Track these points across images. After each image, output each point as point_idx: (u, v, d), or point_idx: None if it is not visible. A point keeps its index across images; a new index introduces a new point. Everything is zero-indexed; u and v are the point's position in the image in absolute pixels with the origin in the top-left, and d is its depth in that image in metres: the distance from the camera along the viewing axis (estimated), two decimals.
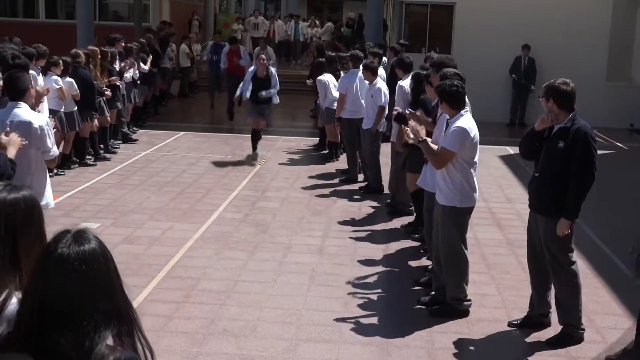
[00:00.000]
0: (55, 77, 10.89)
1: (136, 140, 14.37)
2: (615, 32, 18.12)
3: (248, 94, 12.48)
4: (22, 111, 6.20)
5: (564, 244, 5.94)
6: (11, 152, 5.31)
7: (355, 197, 10.71)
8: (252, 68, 13.12)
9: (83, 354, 1.99)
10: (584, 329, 6.07)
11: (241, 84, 12.84)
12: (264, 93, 12.50)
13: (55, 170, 11.23)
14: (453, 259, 6.45)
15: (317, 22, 29.82)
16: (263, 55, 13.65)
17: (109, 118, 12.89)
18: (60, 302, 2.01)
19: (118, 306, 2.09)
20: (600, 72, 18.07)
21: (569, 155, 5.75)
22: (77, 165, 11.85)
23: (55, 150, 6.30)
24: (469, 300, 6.57)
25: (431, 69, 7.90)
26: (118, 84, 13.08)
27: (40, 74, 10.59)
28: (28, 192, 2.50)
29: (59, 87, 10.85)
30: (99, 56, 12.60)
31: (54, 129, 6.45)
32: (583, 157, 5.71)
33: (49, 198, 6.50)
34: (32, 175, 6.18)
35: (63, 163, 11.54)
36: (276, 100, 13.15)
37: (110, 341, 2.03)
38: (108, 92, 12.54)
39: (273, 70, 12.97)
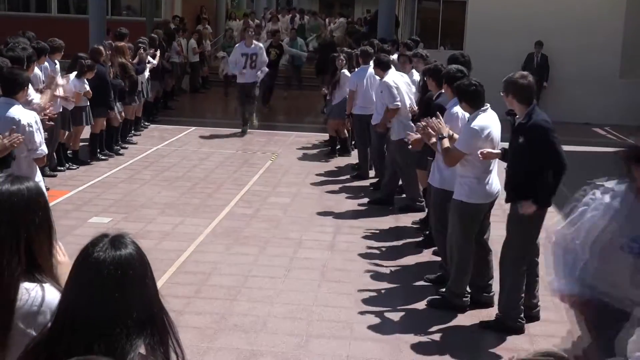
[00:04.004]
0: (85, 83, 10.98)
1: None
2: (629, 29, 17.97)
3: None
4: (13, 108, 6.12)
5: (520, 239, 5.99)
6: None
7: (366, 193, 10.67)
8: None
9: None
10: (523, 319, 6.07)
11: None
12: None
13: (67, 165, 11.27)
14: (455, 253, 6.43)
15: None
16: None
17: (118, 116, 12.92)
18: (94, 308, 1.94)
19: (152, 314, 2.02)
20: (613, 69, 17.94)
21: (528, 150, 5.77)
22: (89, 161, 11.87)
23: (43, 149, 6.14)
24: (467, 296, 6.53)
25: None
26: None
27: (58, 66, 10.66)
28: (32, 183, 2.46)
29: (78, 92, 10.86)
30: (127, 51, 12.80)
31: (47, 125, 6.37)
32: (545, 149, 5.71)
33: None
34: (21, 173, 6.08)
35: (74, 158, 11.57)
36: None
37: (142, 350, 1.95)
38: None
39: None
